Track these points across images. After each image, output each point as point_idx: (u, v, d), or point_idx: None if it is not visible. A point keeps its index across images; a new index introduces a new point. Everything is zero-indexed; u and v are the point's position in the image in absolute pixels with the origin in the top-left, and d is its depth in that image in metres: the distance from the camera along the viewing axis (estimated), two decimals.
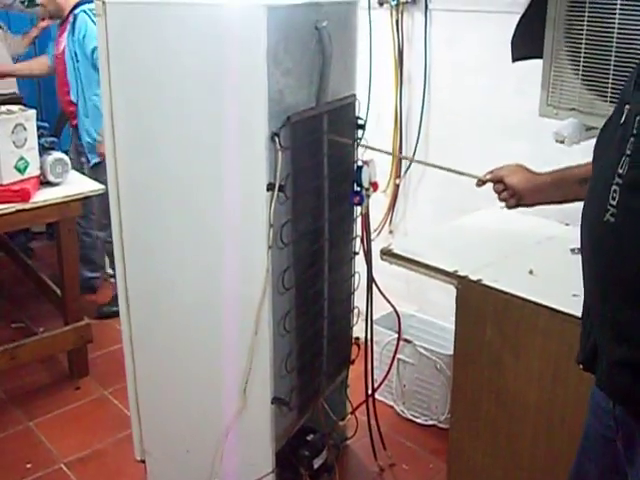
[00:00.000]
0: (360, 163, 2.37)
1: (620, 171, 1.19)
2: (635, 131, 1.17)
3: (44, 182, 3.04)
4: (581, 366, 1.42)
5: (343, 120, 2.32)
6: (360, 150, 2.42)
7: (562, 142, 2.17)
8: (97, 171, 3.55)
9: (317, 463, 2.54)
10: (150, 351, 2.44)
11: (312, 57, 2.11)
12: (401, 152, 3.11)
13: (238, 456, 2.35)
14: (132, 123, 2.17)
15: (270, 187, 1.98)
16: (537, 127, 2.54)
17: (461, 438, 2.31)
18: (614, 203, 1.20)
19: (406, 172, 3.13)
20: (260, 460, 2.30)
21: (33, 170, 2.97)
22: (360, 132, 2.40)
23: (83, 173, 3.49)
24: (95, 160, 3.73)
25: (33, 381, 3.34)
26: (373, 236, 3.12)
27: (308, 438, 2.54)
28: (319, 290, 2.36)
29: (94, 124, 3.66)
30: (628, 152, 1.18)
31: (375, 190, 2.43)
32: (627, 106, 1.22)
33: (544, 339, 1.96)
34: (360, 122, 2.40)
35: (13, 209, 2.83)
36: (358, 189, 2.37)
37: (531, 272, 2.10)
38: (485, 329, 2.11)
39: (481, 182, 2.01)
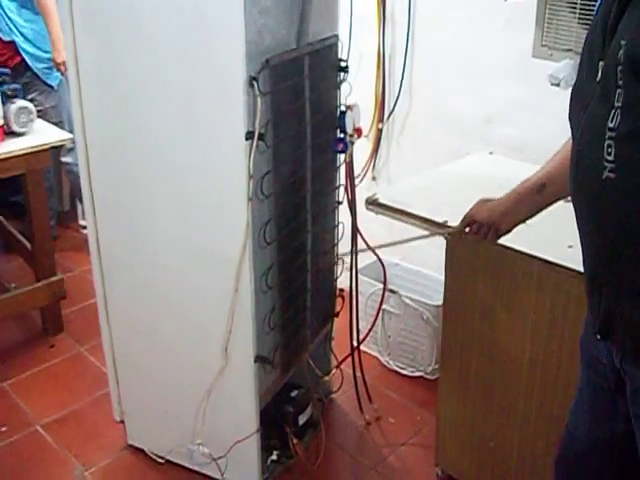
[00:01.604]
0: (343, 108, 2.25)
1: (611, 125, 1.14)
2: (621, 82, 1.13)
3: (8, 132, 2.86)
4: (598, 336, 1.34)
5: (325, 62, 2.19)
6: (344, 92, 2.28)
7: (557, 85, 2.05)
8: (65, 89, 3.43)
9: (302, 419, 2.48)
10: (125, 310, 2.33)
11: None
12: (384, 94, 2.98)
13: (221, 417, 2.28)
14: (100, 68, 2.01)
15: (249, 135, 1.85)
16: (528, 68, 2.42)
17: (450, 392, 2.24)
18: (611, 158, 1.16)
19: (389, 116, 3.00)
20: (244, 420, 2.23)
21: None
22: (343, 75, 2.26)
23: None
24: (58, 79, 3.62)
25: (5, 340, 3.22)
26: (355, 182, 3.02)
27: (292, 394, 2.47)
28: (302, 243, 2.26)
29: (38, 45, 3.56)
30: (618, 104, 1.13)
31: (359, 136, 2.31)
32: (601, 62, 1.18)
33: (538, 292, 1.88)
34: (343, 64, 2.26)
35: None
36: (341, 135, 2.25)
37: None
38: (476, 282, 2.02)
39: (461, 232, 1.87)
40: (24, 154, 2.81)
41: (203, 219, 2.02)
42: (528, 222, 1.98)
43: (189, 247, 2.08)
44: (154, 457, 2.50)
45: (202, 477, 2.42)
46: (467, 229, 1.83)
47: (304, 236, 2.26)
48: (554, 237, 1.87)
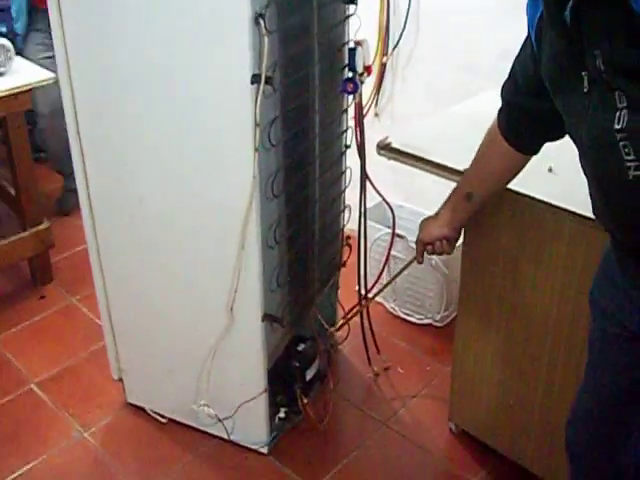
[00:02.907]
0: (352, 44, 2.06)
1: (618, 127, 1.10)
2: (616, 85, 1.08)
3: None
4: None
5: None
6: (352, 28, 2.09)
7: None
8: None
9: (310, 374, 2.36)
10: (120, 264, 2.19)
11: None
12: (388, 25, 2.77)
13: (226, 377, 2.17)
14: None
15: (255, 79, 1.67)
16: None
17: (467, 345, 2.13)
18: (632, 157, 1.11)
19: (394, 49, 2.81)
20: (251, 380, 2.13)
21: None
22: (352, 8, 2.07)
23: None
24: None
25: None
26: None
27: (299, 348, 2.35)
28: (310, 193, 2.10)
29: None
30: (623, 105, 1.08)
31: (369, 74, 2.13)
32: (584, 73, 1.13)
33: (569, 249, 1.74)
34: None
35: None
36: (350, 75, 2.07)
37: (550, 170, 1.85)
38: (500, 235, 1.88)
39: (420, 257, 1.97)
40: (2, 96, 2.60)
41: (207, 171, 1.86)
42: (554, 169, 1.86)
43: (192, 200, 1.92)
44: (156, 417, 2.40)
45: (208, 436, 2.32)
46: (426, 253, 1.93)
47: (312, 186, 2.10)
48: (583, 186, 1.72)
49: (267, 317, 2.02)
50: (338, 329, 2.56)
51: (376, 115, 2.98)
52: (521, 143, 1.54)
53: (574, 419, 1.58)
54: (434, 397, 2.49)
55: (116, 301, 2.27)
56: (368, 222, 2.76)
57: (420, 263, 2.00)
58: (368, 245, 2.78)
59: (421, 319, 2.82)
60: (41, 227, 2.97)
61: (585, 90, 1.14)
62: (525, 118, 1.48)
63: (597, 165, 1.22)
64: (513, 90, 1.46)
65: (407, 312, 2.85)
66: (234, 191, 1.82)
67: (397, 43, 2.78)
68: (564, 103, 1.25)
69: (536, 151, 1.57)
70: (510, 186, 1.74)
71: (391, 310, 2.89)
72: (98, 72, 1.88)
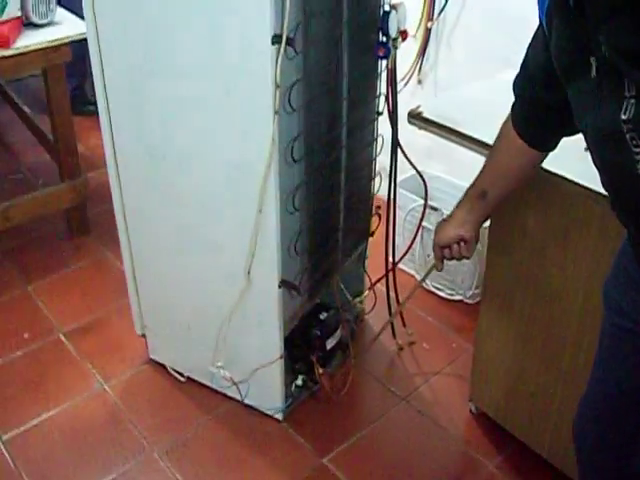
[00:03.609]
0: (387, 7, 1.98)
1: (624, 117, 1.04)
2: (624, 72, 1.01)
3: (27, 24, 2.65)
4: None
5: None
6: None
7: None
8: None
9: (330, 344, 2.33)
10: (144, 223, 2.18)
11: None
12: None
13: (243, 341, 2.15)
14: None
15: (276, 40, 1.62)
16: None
17: (490, 327, 2.06)
18: None
19: (440, 13, 2.70)
20: (267, 346, 2.11)
21: (13, 10, 2.55)
22: None
23: None
24: None
25: (30, 242, 3.12)
26: (399, 87, 2.77)
27: (321, 316, 2.31)
28: (336, 159, 2.05)
29: None
30: (631, 93, 1.02)
31: (404, 39, 2.05)
32: (592, 58, 1.07)
33: (599, 235, 1.65)
34: None
35: None
36: (384, 39, 1.99)
37: (587, 149, 1.75)
38: (527, 216, 1.80)
39: (439, 264, 1.84)
40: (43, 48, 2.60)
41: (227, 132, 1.82)
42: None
43: (210, 162, 1.89)
44: (175, 374, 2.41)
45: (225, 399, 2.32)
46: (444, 259, 1.81)
47: (338, 152, 2.05)
48: None
49: (284, 284, 1.99)
50: (362, 300, 2.52)
51: (419, 82, 2.89)
52: (534, 138, 1.47)
53: (581, 416, 1.51)
54: (457, 376, 2.43)
55: (139, 257, 2.27)
56: (403, 192, 2.72)
57: (440, 270, 1.87)
58: (402, 215, 2.73)
59: (452, 295, 2.76)
60: (78, 180, 2.99)
61: (593, 76, 1.07)
62: (538, 111, 1.40)
63: (605, 158, 1.17)
64: (525, 82, 1.39)
65: (438, 287, 2.79)
66: (253, 154, 1.78)
67: (443, 8, 2.68)
68: (575, 92, 1.18)
69: (551, 147, 1.49)
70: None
71: (422, 284, 2.82)
72: (122, 39, 1.85)
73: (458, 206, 1.71)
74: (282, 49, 1.62)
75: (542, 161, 1.54)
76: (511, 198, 1.79)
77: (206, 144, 1.87)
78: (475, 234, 1.72)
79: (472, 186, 1.66)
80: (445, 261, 1.81)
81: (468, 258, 1.78)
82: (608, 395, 1.42)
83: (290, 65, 1.69)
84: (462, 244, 1.73)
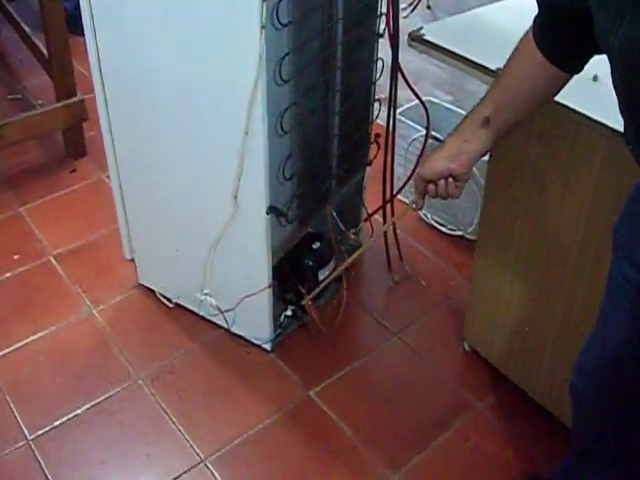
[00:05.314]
0: None
1: None
2: None
3: None
4: None
5: None
6: None
7: None
8: None
9: (323, 274, 2.26)
10: (131, 146, 2.10)
11: None
12: None
13: (230, 268, 2.09)
14: None
15: None
16: None
17: (487, 264, 1.99)
18: None
19: None
20: (255, 274, 2.05)
21: None
22: None
23: None
24: None
25: (25, 163, 3.04)
26: (407, 12, 2.63)
27: (314, 246, 2.23)
28: (329, 79, 1.94)
29: None
30: None
31: None
32: None
33: (603, 169, 1.55)
34: None
35: None
36: None
37: (595, 79, 1.62)
38: (528, 147, 1.70)
39: (420, 200, 1.56)
40: None
41: (213, 48, 1.71)
42: (600, 78, 1.63)
43: (196, 81, 1.79)
44: (163, 300, 2.36)
45: (214, 326, 2.28)
46: (427, 196, 1.53)
47: (332, 71, 1.94)
48: None
49: (273, 210, 1.91)
50: (358, 231, 2.43)
51: (428, 7, 2.75)
52: (555, 51, 1.28)
53: (580, 370, 1.42)
54: (453, 313, 2.37)
55: (127, 181, 2.19)
56: (406, 121, 2.61)
57: (419, 209, 1.59)
58: (404, 146, 2.63)
59: (453, 230, 2.67)
60: (73, 100, 2.89)
61: None
62: (561, 21, 1.23)
63: (627, 81, 1.04)
64: None
65: (439, 221, 2.70)
66: (239, 72, 1.68)
67: None
68: (599, 2, 1.05)
69: (574, 67, 1.31)
70: None
71: (422, 217, 2.74)
72: None
73: (453, 134, 1.45)
74: None
75: (560, 88, 1.36)
76: None
77: (190, 62, 1.77)
78: (467, 171, 1.45)
79: (472, 112, 1.43)
80: (427, 198, 1.55)
81: (455, 198, 1.50)
82: (611, 355, 1.33)
83: None
84: (451, 181, 1.45)
